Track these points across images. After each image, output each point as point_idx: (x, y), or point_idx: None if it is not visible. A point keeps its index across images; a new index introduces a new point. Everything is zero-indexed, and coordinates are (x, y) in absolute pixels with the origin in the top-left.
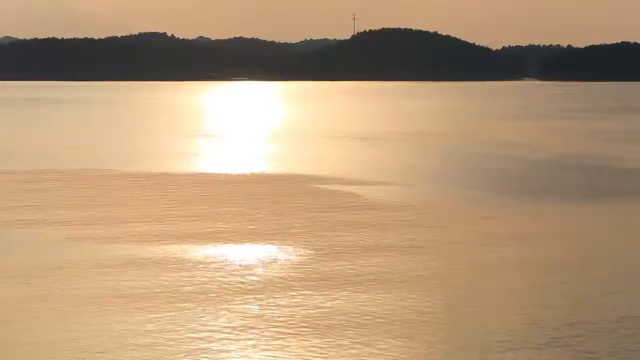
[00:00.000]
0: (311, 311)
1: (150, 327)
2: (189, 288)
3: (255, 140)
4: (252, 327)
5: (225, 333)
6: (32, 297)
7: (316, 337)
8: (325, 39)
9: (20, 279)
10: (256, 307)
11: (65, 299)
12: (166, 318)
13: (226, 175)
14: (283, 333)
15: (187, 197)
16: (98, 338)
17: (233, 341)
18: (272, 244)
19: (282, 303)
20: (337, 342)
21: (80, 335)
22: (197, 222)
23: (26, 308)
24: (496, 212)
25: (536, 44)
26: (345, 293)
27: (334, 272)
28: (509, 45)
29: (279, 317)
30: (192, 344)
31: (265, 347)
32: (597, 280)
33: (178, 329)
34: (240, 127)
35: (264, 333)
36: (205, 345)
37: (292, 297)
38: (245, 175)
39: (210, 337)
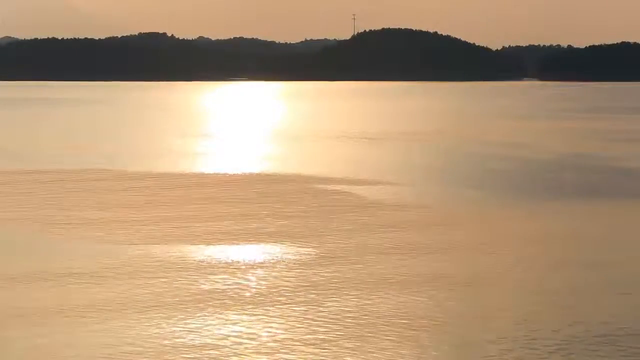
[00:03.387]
0: (314, 314)
1: (150, 331)
2: (187, 291)
3: (255, 140)
4: (253, 328)
5: (227, 337)
6: (39, 302)
7: (321, 341)
8: (325, 39)
9: (25, 282)
10: (256, 309)
11: (70, 304)
12: (168, 321)
13: (226, 175)
14: (287, 338)
15: (187, 197)
16: (95, 344)
17: (236, 346)
18: (273, 244)
19: (284, 304)
20: (340, 343)
21: (82, 342)
22: (197, 223)
23: (33, 313)
24: (496, 212)
25: (536, 44)
26: (346, 293)
27: (334, 273)
28: (509, 45)
29: (283, 318)
30: (194, 347)
31: (267, 349)
32: (598, 279)
33: (181, 331)
34: (240, 127)
35: (265, 335)
36: (207, 349)
37: (293, 298)
38: (245, 176)
39: (212, 339)
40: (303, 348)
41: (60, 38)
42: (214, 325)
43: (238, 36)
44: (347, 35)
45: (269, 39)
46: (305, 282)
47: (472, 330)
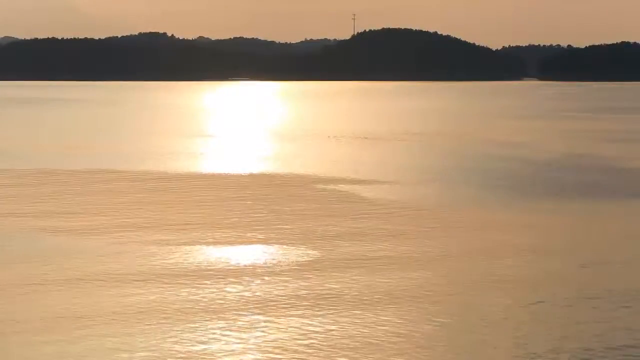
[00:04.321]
0: (313, 318)
1: (147, 339)
2: (187, 295)
3: (255, 140)
4: (252, 335)
5: (225, 343)
6: (33, 310)
7: (319, 349)
8: (325, 39)
9: (23, 285)
10: (256, 313)
11: (63, 313)
12: (165, 329)
13: (226, 175)
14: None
15: (186, 198)
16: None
17: (233, 352)
18: (272, 246)
19: (284, 309)
20: (339, 352)
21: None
22: (196, 224)
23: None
24: (496, 212)
25: (536, 44)
26: (346, 296)
27: (335, 276)
28: (509, 45)
29: (283, 323)
30: (196, 353)
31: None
32: (598, 280)
33: (183, 338)
34: (240, 127)
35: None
36: (209, 354)
37: (293, 303)
38: (245, 176)
39: (209, 343)
40: (302, 355)
41: (60, 38)
42: (214, 331)
43: (238, 36)
44: (347, 35)
45: (269, 39)
46: (305, 286)
47: (479, 334)
